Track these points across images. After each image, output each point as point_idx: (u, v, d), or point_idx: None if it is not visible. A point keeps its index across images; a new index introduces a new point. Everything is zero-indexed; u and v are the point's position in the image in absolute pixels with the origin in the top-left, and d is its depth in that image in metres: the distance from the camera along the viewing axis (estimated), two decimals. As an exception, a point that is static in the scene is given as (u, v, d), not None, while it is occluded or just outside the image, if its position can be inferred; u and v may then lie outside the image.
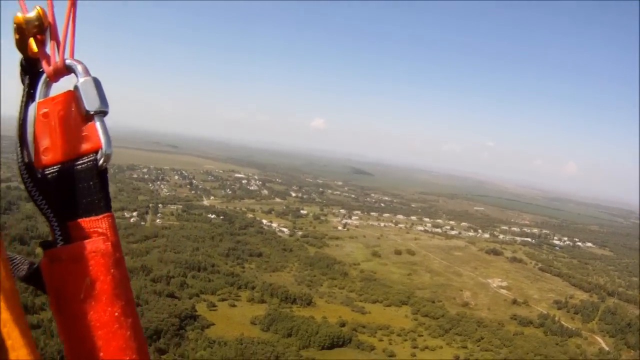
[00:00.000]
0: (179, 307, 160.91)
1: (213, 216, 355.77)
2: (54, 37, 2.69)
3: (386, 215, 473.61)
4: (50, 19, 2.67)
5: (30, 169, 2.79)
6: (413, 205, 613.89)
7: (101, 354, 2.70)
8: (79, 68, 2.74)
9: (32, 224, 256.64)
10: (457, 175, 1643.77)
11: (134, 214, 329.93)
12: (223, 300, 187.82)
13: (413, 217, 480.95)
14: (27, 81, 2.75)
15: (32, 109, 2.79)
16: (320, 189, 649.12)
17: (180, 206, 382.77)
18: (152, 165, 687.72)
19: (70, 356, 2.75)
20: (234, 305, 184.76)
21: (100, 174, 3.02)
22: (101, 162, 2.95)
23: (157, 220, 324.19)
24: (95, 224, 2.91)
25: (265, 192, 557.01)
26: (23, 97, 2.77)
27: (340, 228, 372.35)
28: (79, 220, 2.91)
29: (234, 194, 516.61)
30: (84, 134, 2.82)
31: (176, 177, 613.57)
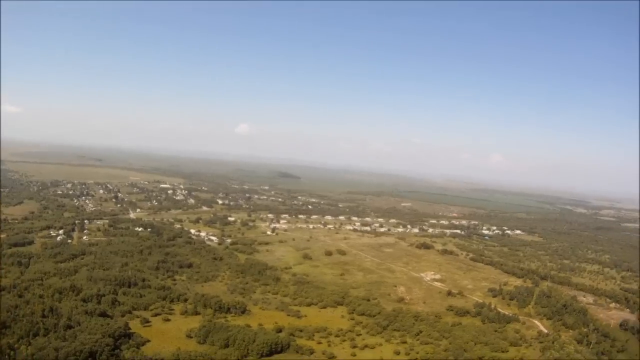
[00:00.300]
0: (112, 326, 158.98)
1: (140, 229, 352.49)
2: None
3: (314, 216, 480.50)
4: None
5: None
6: (341, 205, 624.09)
7: None
8: None
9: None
10: (386, 174, 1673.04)
11: (60, 231, 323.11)
12: (156, 315, 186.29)
13: (341, 217, 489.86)
14: None
15: None
16: (247, 195, 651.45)
17: (107, 221, 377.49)
18: (77, 180, 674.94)
19: None
20: (167, 320, 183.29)
21: None
22: None
23: (84, 237, 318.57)
24: None
25: (191, 201, 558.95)
26: None
27: (269, 233, 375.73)
28: None
29: (161, 205, 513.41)
30: None
31: (101, 191, 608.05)
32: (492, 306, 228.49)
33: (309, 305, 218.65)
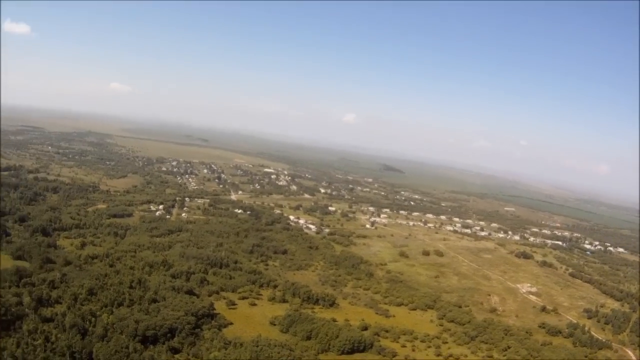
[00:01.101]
0: (197, 304, 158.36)
1: (240, 211, 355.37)
2: None
3: (415, 214, 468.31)
4: None
5: None
6: (443, 204, 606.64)
7: None
8: None
9: (56, 216, 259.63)
10: (489, 174, 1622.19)
11: (160, 207, 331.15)
12: (243, 298, 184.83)
13: (442, 217, 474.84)
14: None
15: None
16: (350, 186, 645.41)
17: (207, 200, 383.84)
18: (182, 158, 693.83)
19: None
20: (254, 304, 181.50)
21: None
22: None
23: (183, 214, 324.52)
24: None
25: (294, 187, 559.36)
26: None
27: (368, 226, 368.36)
28: None
29: (263, 189, 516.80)
30: None
31: (205, 170, 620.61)
32: (586, 328, 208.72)
33: (399, 305, 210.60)
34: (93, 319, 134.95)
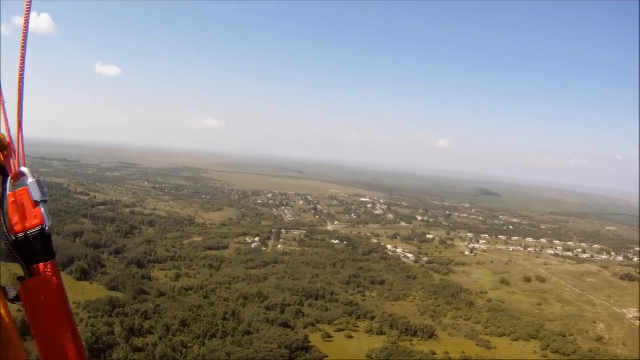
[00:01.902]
0: (291, 337, 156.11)
1: (336, 242, 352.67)
2: (11, 154, 4.82)
3: (515, 238, 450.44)
4: (8, 141, 4.94)
5: (8, 234, 4.77)
6: (543, 227, 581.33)
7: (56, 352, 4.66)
8: (28, 173, 4.89)
9: (151, 248, 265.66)
10: (585, 192, 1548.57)
11: (256, 239, 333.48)
12: (340, 330, 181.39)
13: (543, 240, 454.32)
14: (1, 178, 4.91)
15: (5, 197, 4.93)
16: (447, 212, 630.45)
17: (304, 231, 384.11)
18: (277, 190, 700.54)
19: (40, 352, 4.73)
20: (350, 337, 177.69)
21: (46, 237, 4.90)
22: (46, 230, 4.88)
23: (279, 246, 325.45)
24: (46, 267, 4.80)
25: (390, 216, 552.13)
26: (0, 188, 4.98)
27: (467, 253, 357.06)
28: (38, 264, 4.80)
29: (359, 218, 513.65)
30: (34, 214, 4.84)
31: (301, 202, 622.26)
32: None
33: (500, 336, 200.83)
34: (184, 350, 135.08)
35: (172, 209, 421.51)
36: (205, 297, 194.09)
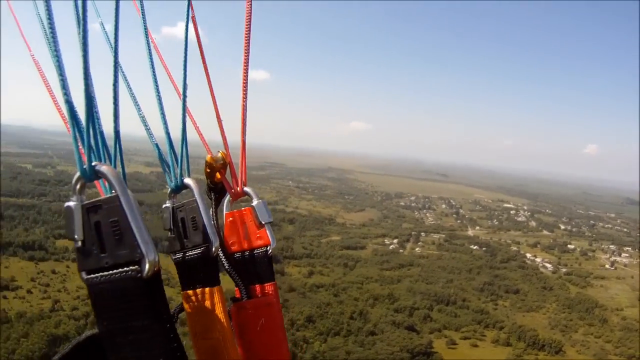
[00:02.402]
0: (415, 341, 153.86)
1: (475, 247, 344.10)
2: (233, 172, 4.56)
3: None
4: (229, 159, 4.56)
5: (226, 253, 4.57)
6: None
7: None
8: (253, 194, 4.64)
9: (289, 245, 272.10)
10: None
11: (395, 241, 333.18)
12: (466, 338, 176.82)
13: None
14: (213, 197, 4.59)
15: (221, 216, 4.73)
16: (591, 222, 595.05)
17: (443, 235, 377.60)
18: (420, 193, 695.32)
19: None
20: (475, 345, 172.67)
21: (269, 258, 4.90)
22: (270, 252, 4.85)
23: (417, 249, 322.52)
24: (266, 288, 4.71)
25: (533, 223, 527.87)
26: (212, 207, 4.59)
27: (607, 266, 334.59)
28: (257, 285, 4.70)
29: (501, 224, 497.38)
30: (258, 235, 4.75)
31: (443, 205, 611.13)
32: None
33: (630, 357, 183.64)
34: (305, 345, 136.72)
35: (314, 207, 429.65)
36: (335, 295, 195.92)
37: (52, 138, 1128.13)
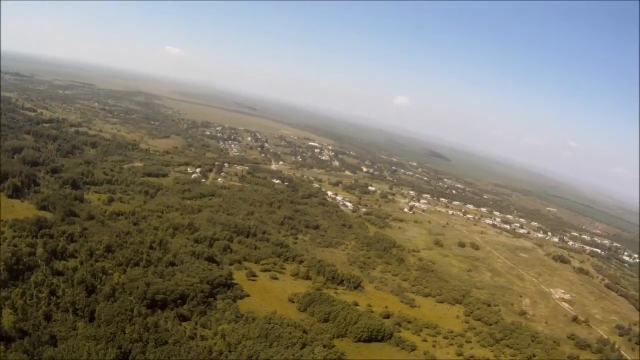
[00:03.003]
0: (215, 272, 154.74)
1: (277, 181, 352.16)
2: None
3: (456, 203, 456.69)
4: None
5: None
6: (485, 197, 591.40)
7: None
8: None
9: (89, 170, 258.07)
10: (534, 172, 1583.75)
11: (197, 170, 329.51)
12: (266, 270, 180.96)
13: (483, 209, 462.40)
14: None
15: None
16: (394, 168, 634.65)
17: (246, 168, 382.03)
18: (227, 124, 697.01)
19: None
20: (275, 278, 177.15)
21: None
22: None
23: (219, 179, 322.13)
24: None
25: (336, 163, 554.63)
26: None
27: (406, 210, 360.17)
28: None
29: (304, 161, 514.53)
30: None
31: (249, 138, 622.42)
32: (616, 346, 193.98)
33: (426, 295, 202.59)
34: (104, 276, 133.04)
35: (118, 132, 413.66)
36: (135, 224, 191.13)
37: None
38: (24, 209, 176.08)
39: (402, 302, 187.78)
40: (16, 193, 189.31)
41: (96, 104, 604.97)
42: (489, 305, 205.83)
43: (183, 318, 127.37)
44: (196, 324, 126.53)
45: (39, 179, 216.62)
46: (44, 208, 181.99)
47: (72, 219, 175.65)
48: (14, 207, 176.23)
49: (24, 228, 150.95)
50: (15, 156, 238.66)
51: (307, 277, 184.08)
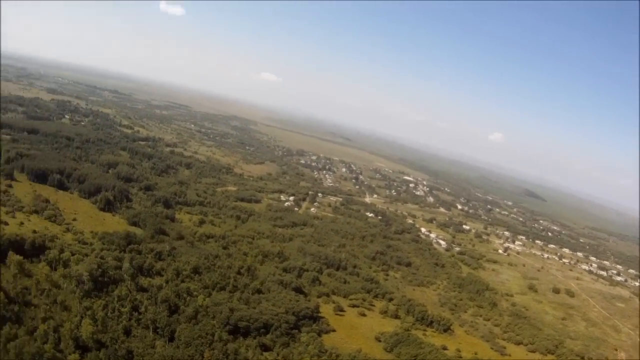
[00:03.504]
0: (301, 304, 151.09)
1: (370, 215, 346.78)
2: None
3: (551, 246, 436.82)
4: None
5: None
6: (581, 240, 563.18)
7: None
8: None
9: (182, 190, 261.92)
10: (631, 214, 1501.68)
11: (290, 198, 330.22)
12: (354, 306, 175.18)
13: (579, 254, 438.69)
14: None
15: None
16: (488, 206, 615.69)
17: (340, 199, 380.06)
18: (322, 154, 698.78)
19: None
20: (363, 314, 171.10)
21: None
22: None
23: (312, 209, 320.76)
24: None
25: (430, 199, 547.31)
26: None
27: (500, 251, 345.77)
28: None
29: (398, 195, 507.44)
30: None
31: (343, 169, 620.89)
32: None
33: (517, 344, 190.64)
34: (188, 297, 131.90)
35: (213, 154, 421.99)
36: (224, 248, 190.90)
37: None
38: (114, 223, 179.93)
39: (492, 349, 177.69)
40: (108, 206, 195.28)
41: (192, 125, 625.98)
42: (582, 358, 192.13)
43: (265, 348, 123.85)
44: (278, 354, 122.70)
45: (131, 194, 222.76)
46: (134, 224, 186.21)
47: (162, 237, 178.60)
48: (105, 220, 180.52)
49: (112, 241, 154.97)
50: (110, 171, 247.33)
51: (396, 316, 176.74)
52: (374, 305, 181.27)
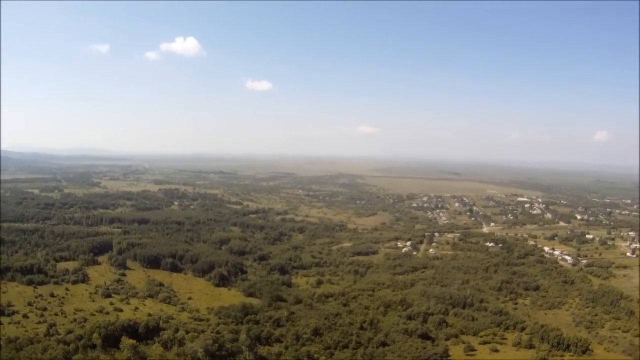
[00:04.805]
0: (428, 350, 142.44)
1: (490, 244, 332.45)
2: None
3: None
4: None
5: None
6: None
7: None
8: None
9: (297, 254, 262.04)
10: None
11: (408, 243, 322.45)
12: (485, 343, 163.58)
13: None
14: None
15: None
16: (608, 209, 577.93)
17: (457, 234, 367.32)
18: (433, 193, 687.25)
19: None
20: (496, 350, 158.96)
21: None
22: None
23: (431, 250, 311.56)
24: None
25: (548, 215, 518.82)
26: None
27: (628, 254, 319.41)
28: None
29: (516, 219, 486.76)
30: None
31: (456, 204, 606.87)
32: None
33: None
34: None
35: (325, 215, 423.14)
36: (344, 305, 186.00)
37: (60, 162, 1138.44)
38: (230, 296, 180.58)
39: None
40: (223, 281, 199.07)
41: (300, 190, 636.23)
42: None
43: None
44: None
45: (246, 267, 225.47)
46: (250, 294, 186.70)
47: (279, 304, 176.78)
48: (220, 295, 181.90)
49: (229, 315, 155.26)
50: (222, 247, 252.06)
51: (531, 346, 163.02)
52: (505, 339, 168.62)
